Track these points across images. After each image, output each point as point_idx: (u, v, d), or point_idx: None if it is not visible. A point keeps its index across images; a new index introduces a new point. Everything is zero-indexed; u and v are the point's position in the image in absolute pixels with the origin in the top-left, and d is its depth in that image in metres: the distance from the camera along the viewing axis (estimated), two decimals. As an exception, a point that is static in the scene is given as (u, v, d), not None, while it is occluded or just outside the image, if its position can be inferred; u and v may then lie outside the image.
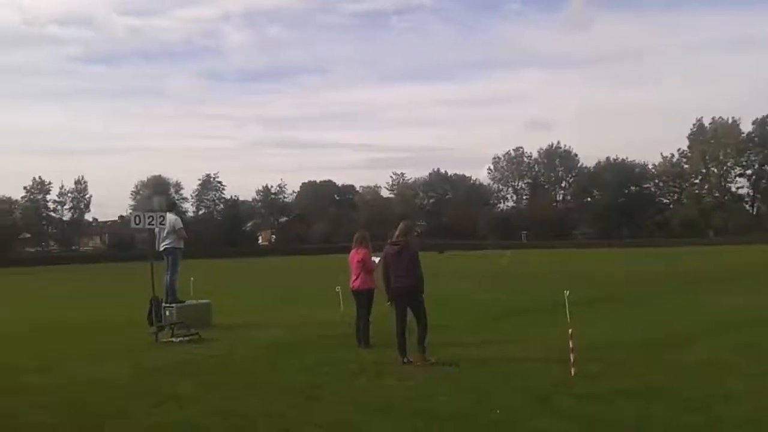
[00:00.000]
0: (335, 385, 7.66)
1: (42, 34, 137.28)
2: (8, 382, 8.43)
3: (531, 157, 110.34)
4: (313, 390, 7.44)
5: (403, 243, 9.05)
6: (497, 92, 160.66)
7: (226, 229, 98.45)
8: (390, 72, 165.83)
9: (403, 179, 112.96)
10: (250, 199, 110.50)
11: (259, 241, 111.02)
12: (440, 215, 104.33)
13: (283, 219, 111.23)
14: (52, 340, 12.35)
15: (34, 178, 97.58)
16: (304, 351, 10.06)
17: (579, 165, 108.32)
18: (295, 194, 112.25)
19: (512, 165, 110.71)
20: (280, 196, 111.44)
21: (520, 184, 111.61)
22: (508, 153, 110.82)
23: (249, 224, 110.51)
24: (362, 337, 10.21)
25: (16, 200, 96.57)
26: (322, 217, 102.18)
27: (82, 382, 8.43)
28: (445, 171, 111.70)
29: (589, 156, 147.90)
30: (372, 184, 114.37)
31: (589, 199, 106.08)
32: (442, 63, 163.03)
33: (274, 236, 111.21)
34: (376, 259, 10.55)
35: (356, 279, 10.41)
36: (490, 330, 12.03)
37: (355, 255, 10.47)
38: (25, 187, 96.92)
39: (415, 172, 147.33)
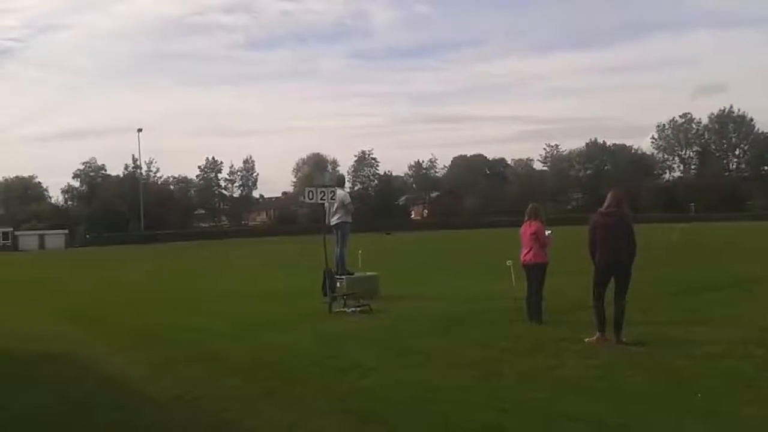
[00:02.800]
0: (514, 361, 7.48)
1: (208, 23, 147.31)
2: (204, 349, 9.10)
3: (700, 123, 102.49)
4: (492, 365, 7.32)
5: (618, 212, 8.52)
6: (659, 56, 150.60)
7: (380, 204, 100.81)
8: (540, 41, 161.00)
9: (557, 151, 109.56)
10: (402, 175, 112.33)
11: (412, 216, 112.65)
12: (599, 187, 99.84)
13: (435, 194, 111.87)
14: (236, 308, 13.25)
15: (207, 158, 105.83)
16: (475, 325, 9.96)
17: (755, 130, 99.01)
18: (446, 169, 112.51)
19: (679, 133, 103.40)
20: (432, 171, 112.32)
21: (687, 152, 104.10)
22: (673, 120, 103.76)
23: (402, 199, 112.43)
24: (534, 313, 9.92)
25: (192, 179, 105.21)
26: (473, 191, 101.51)
27: (269, 348, 8.94)
28: (603, 141, 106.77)
29: (767, 121, 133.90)
30: (524, 157, 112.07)
31: (766, 167, 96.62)
32: (597, 28, 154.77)
33: (426, 211, 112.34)
34: (549, 232, 10.24)
35: (528, 252, 10.12)
36: (671, 308, 11.23)
37: (527, 228, 10.16)
38: (199, 167, 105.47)
39: (570, 144, 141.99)
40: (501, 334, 9.06)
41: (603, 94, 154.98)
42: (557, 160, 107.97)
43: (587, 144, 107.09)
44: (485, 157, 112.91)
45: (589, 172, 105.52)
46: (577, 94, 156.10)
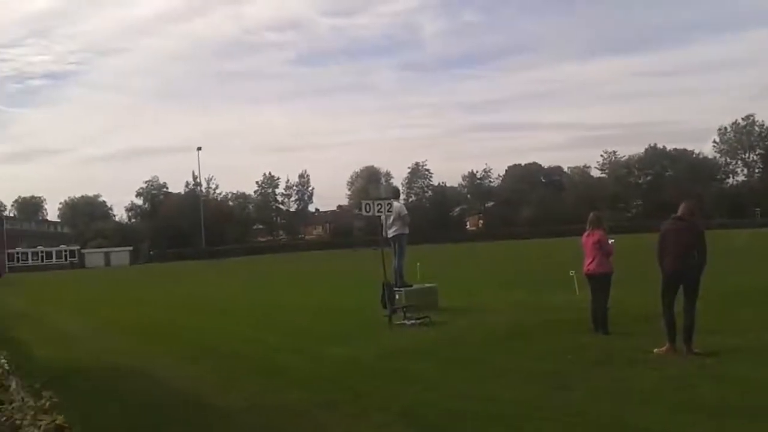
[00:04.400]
0: (581, 374, 7.32)
1: (260, 42, 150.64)
2: (267, 362, 9.25)
3: (763, 125, 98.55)
4: (559, 377, 7.18)
5: (689, 221, 8.34)
6: (719, 57, 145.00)
7: (434, 216, 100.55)
8: (592, 45, 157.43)
9: (615, 157, 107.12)
10: (457, 185, 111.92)
11: (467, 227, 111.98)
12: (659, 194, 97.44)
13: (490, 204, 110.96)
14: (296, 321, 13.43)
15: (265, 174, 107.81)
16: (539, 336, 9.80)
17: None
18: (500, 178, 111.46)
19: (741, 135, 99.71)
20: (486, 181, 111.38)
21: (751, 156, 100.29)
22: (735, 122, 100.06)
23: (456, 210, 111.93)
24: (600, 324, 9.69)
25: (249, 195, 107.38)
26: (529, 201, 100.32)
27: (331, 360, 9.01)
28: (663, 146, 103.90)
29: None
30: (581, 164, 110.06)
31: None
32: (652, 30, 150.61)
33: (481, 221, 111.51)
34: (611, 241, 10.04)
35: (591, 262, 9.91)
36: (740, 316, 10.84)
37: (590, 237, 9.97)
38: (257, 182, 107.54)
39: (629, 149, 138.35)
40: (567, 345, 8.87)
41: (661, 97, 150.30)
42: (615, 167, 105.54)
43: (646, 149, 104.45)
44: (540, 166, 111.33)
45: (649, 178, 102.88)
46: (634, 99, 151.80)
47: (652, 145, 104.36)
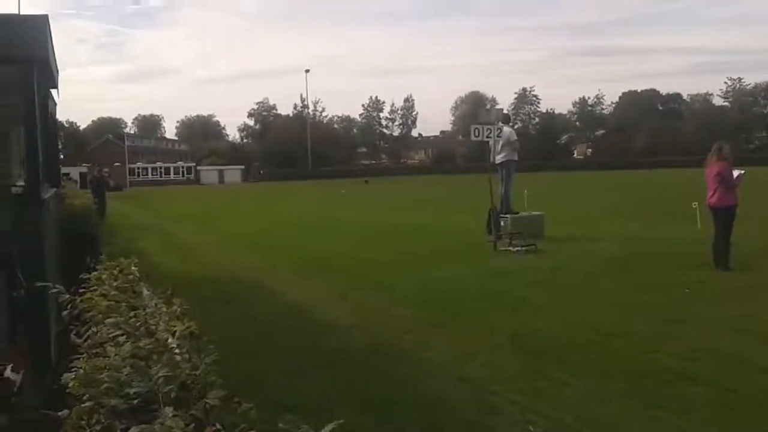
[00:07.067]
0: (699, 308, 7.06)
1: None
2: (374, 280, 9.46)
3: None
4: (675, 311, 6.97)
5: None
6: None
7: (540, 143, 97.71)
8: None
9: (741, 85, 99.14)
10: (566, 112, 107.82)
11: (575, 155, 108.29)
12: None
13: (600, 132, 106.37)
14: (403, 243, 13.58)
15: (370, 98, 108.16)
16: (653, 269, 9.48)
17: None
18: (613, 105, 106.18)
19: None
20: (598, 108, 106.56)
21: None
22: None
23: (564, 137, 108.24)
24: (721, 259, 9.23)
25: (354, 118, 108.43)
26: (643, 129, 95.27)
27: (437, 282, 9.13)
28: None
29: None
30: (702, 92, 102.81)
31: None
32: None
33: (590, 149, 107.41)
34: (737, 173, 9.43)
35: (713, 195, 9.39)
36: None
37: (711, 168, 9.42)
38: (362, 105, 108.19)
39: (756, 77, 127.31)
40: (683, 279, 8.55)
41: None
42: (740, 95, 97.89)
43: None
44: (658, 92, 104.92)
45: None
46: (764, 22, 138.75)
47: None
